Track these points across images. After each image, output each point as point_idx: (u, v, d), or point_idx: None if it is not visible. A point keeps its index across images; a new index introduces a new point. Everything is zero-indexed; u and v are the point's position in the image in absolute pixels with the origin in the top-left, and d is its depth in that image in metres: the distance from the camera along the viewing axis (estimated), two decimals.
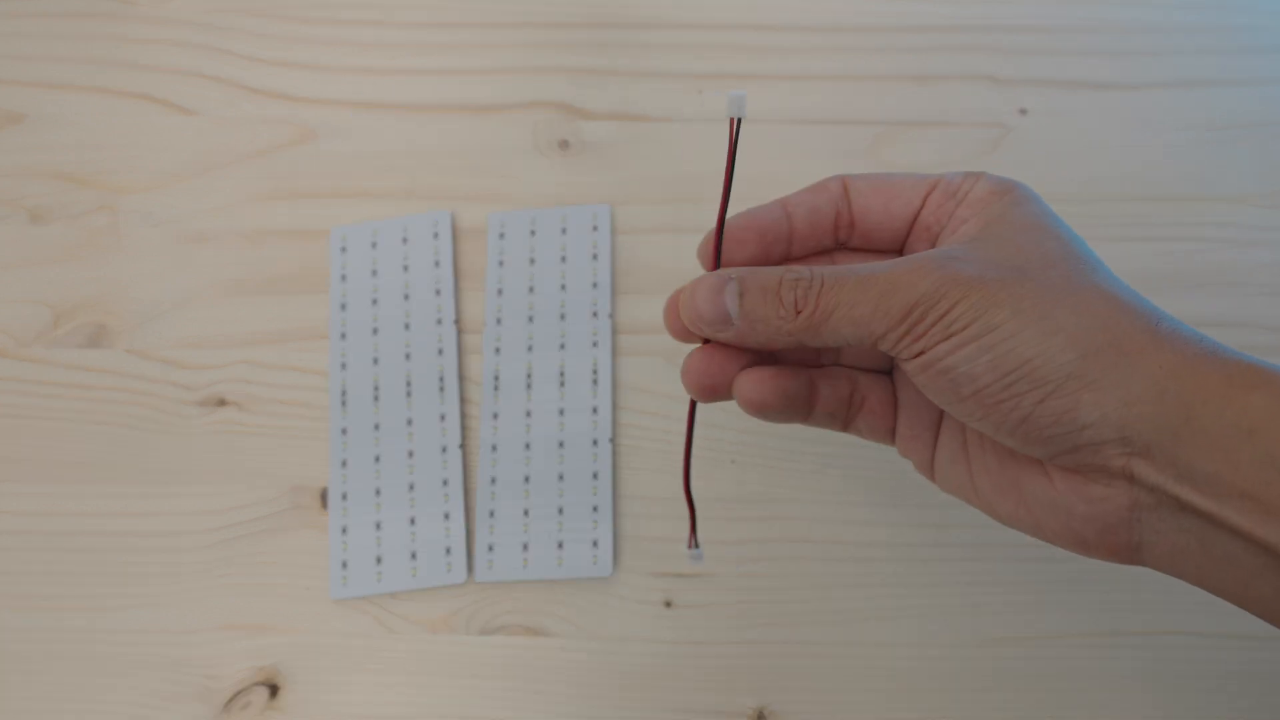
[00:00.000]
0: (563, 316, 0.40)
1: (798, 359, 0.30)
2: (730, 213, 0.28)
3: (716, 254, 0.28)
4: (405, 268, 0.41)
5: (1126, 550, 0.24)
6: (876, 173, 0.29)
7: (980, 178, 0.27)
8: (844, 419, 0.30)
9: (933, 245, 0.28)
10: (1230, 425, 0.21)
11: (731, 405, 0.34)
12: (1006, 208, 0.27)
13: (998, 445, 0.27)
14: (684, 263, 0.41)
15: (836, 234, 0.29)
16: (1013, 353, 0.23)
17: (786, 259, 0.29)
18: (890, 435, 0.30)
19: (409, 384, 0.39)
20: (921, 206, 0.28)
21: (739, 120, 0.26)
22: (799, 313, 0.25)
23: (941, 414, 0.29)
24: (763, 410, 0.28)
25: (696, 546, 0.37)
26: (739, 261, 0.29)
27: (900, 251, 0.29)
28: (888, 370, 0.30)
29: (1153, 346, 0.23)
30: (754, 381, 0.28)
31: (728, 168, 0.27)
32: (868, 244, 0.29)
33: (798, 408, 0.29)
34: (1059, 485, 0.25)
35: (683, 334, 0.28)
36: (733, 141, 0.27)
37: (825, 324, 0.25)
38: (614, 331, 0.40)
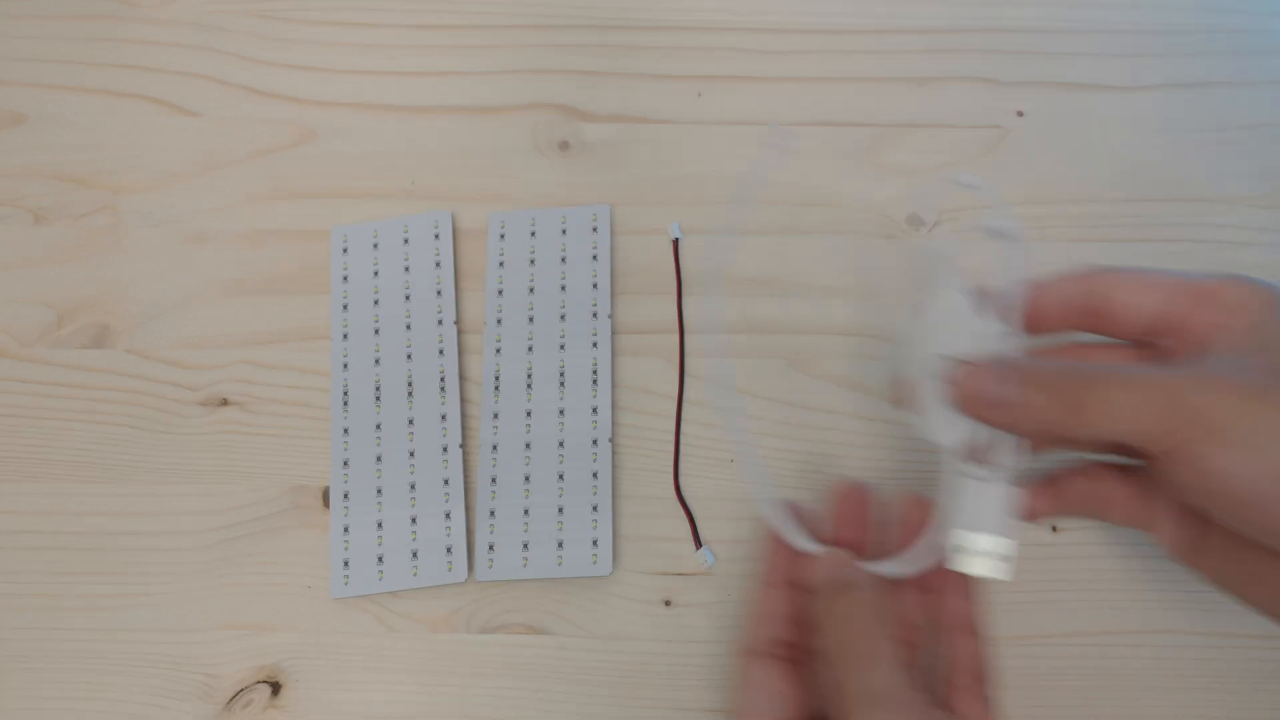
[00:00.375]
0: (563, 317, 0.40)
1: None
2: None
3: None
4: (406, 268, 0.41)
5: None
6: (1133, 268, 0.29)
7: (1238, 283, 0.28)
8: (1098, 510, 0.32)
9: (1181, 339, 0.28)
10: None
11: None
12: (1270, 315, 0.27)
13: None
14: (684, 263, 0.41)
15: (1084, 320, 0.30)
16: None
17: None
18: (1147, 523, 0.31)
19: (410, 384, 0.39)
20: (1170, 305, 0.28)
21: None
22: (1068, 407, 0.26)
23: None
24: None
25: (703, 546, 0.37)
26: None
27: (1157, 329, 0.29)
28: (1137, 460, 0.31)
29: None
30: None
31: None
32: (1113, 331, 0.30)
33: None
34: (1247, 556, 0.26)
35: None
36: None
37: (1096, 412, 0.26)
38: (614, 332, 0.40)
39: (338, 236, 0.41)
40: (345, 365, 0.39)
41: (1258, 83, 0.43)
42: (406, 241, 0.41)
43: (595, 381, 0.39)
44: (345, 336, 0.40)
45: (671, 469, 0.38)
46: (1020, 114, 0.43)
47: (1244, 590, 0.28)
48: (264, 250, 0.42)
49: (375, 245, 0.41)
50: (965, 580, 0.30)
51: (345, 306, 0.40)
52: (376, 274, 0.41)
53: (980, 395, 0.28)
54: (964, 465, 0.29)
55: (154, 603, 0.37)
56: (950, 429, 0.29)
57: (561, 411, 0.39)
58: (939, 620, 0.31)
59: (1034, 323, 0.30)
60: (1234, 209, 0.41)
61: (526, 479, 0.38)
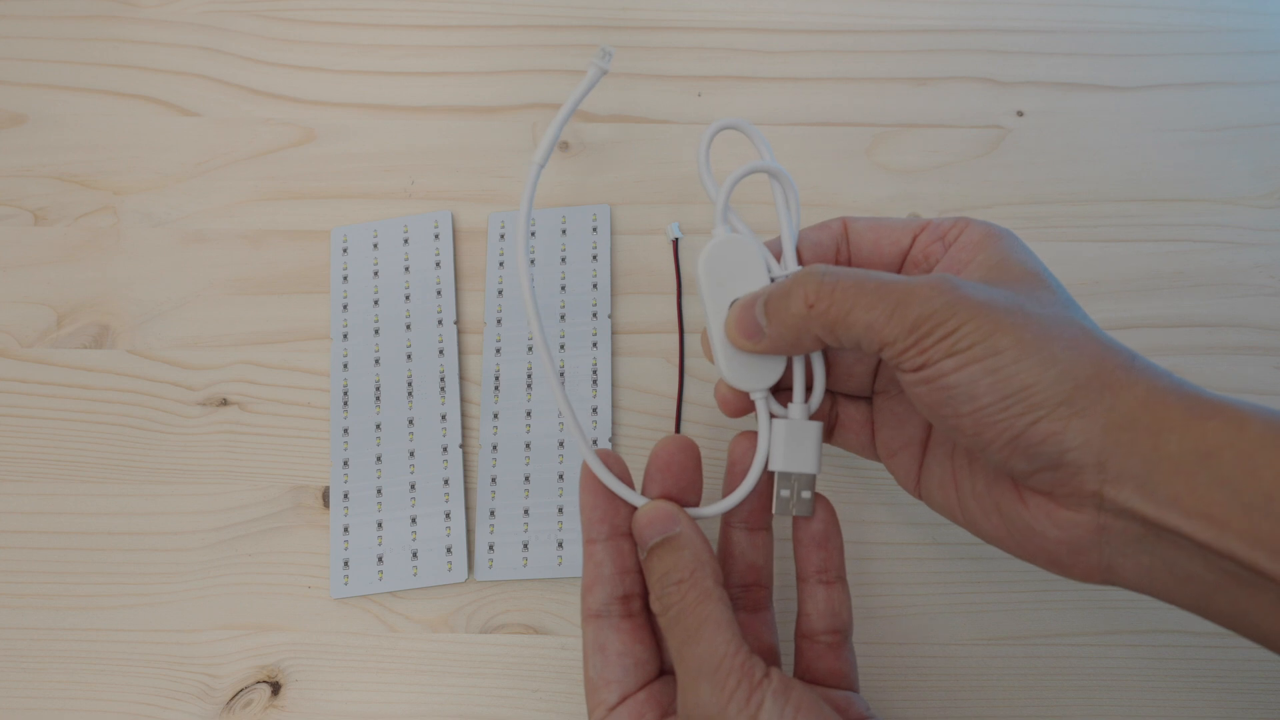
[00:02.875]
0: (562, 317, 0.40)
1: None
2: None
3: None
4: (406, 268, 0.41)
5: (1098, 571, 0.27)
6: (875, 216, 0.32)
7: (969, 223, 0.30)
8: (825, 432, 0.33)
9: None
10: (1190, 450, 0.24)
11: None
12: (1004, 252, 0.29)
13: (985, 471, 0.29)
14: (683, 262, 0.41)
15: (836, 263, 0.31)
16: (1014, 377, 0.25)
17: None
18: (869, 450, 0.33)
19: (410, 384, 0.39)
20: (910, 246, 0.30)
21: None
22: (811, 307, 0.27)
23: (926, 438, 0.31)
24: (739, 412, 0.31)
25: None
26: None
27: (899, 269, 0.31)
28: (867, 396, 0.33)
29: (1129, 381, 0.25)
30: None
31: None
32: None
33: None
34: (1032, 509, 0.27)
35: (734, 411, 0.31)
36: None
37: (841, 322, 0.27)
38: (613, 332, 0.40)
39: (338, 236, 0.41)
40: (345, 365, 0.39)
41: (1258, 83, 0.43)
42: (406, 241, 0.41)
43: (595, 381, 0.39)
44: (345, 336, 0.40)
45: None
46: (1020, 114, 0.43)
47: (965, 517, 0.30)
48: (264, 250, 0.42)
49: (375, 245, 0.41)
50: (822, 529, 0.31)
51: (345, 306, 0.40)
52: (376, 274, 0.41)
53: (739, 329, 0.29)
54: (763, 405, 0.30)
55: (154, 602, 0.37)
56: (744, 372, 0.30)
57: (561, 412, 0.39)
58: (797, 571, 0.31)
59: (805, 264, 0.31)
60: (1234, 209, 0.41)
61: (526, 479, 0.38)
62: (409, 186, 0.42)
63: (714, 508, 0.30)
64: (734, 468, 0.31)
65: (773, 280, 0.30)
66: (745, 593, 0.31)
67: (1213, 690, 0.35)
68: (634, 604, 0.29)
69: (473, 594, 0.37)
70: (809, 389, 0.31)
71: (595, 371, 0.39)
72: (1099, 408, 0.25)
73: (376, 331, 0.40)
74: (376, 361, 0.39)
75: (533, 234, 0.41)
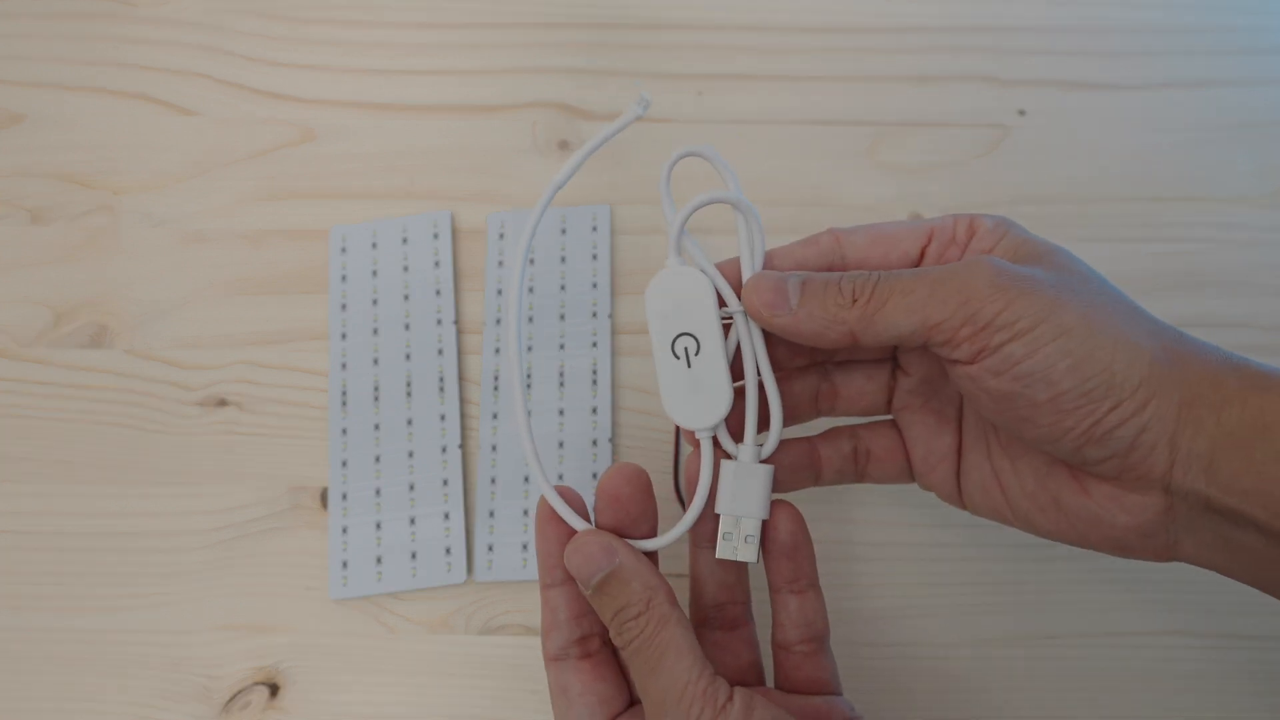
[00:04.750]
0: (562, 317, 0.40)
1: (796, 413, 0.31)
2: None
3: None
4: (405, 268, 0.41)
5: (1165, 551, 0.26)
6: (867, 224, 0.29)
7: (975, 217, 0.28)
8: (855, 473, 0.32)
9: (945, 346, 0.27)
10: (1249, 424, 0.23)
11: None
12: (1023, 236, 0.27)
13: (1033, 466, 0.27)
14: None
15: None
16: (1091, 358, 0.24)
17: None
18: (906, 475, 0.31)
19: (409, 384, 0.39)
20: (921, 257, 0.29)
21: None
22: (855, 300, 0.26)
23: (959, 445, 0.30)
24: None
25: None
26: None
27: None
28: (886, 415, 0.31)
29: (1188, 354, 0.24)
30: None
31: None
32: None
33: (803, 475, 0.31)
34: (1097, 497, 0.26)
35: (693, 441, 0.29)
36: None
37: (880, 312, 0.25)
38: (613, 332, 0.40)
39: (336, 236, 0.41)
40: (344, 365, 0.39)
41: (1261, 81, 0.43)
42: (405, 241, 0.41)
43: (595, 381, 0.39)
44: (344, 336, 0.40)
45: (671, 469, 0.38)
46: (1022, 113, 0.43)
47: (1017, 516, 0.28)
48: (263, 250, 0.41)
49: (374, 245, 0.41)
50: (790, 540, 0.29)
51: (344, 306, 0.40)
52: (375, 274, 0.41)
53: (761, 295, 0.27)
54: (708, 445, 0.29)
55: (152, 603, 0.37)
56: (688, 409, 0.28)
57: (561, 411, 0.38)
58: (769, 582, 0.30)
59: None
60: (1234, 209, 0.41)
61: (526, 479, 0.38)
62: (409, 186, 0.42)
63: (652, 543, 0.28)
64: (691, 486, 0.29)
65: (724, 320, 0.29)
66: (720, 611, 0.30)
67: (1213, 690, 0.35)
68: (592, 644, 0.28)
69: (472, 595, 0.37)
70: (763, 420, 0.29)
71: (595, 371, 0.39)
72: (1172, 385, 0.24)
73: (375, 331, 0.40)
74: (375, 362, 0.39)
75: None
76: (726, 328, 0.29)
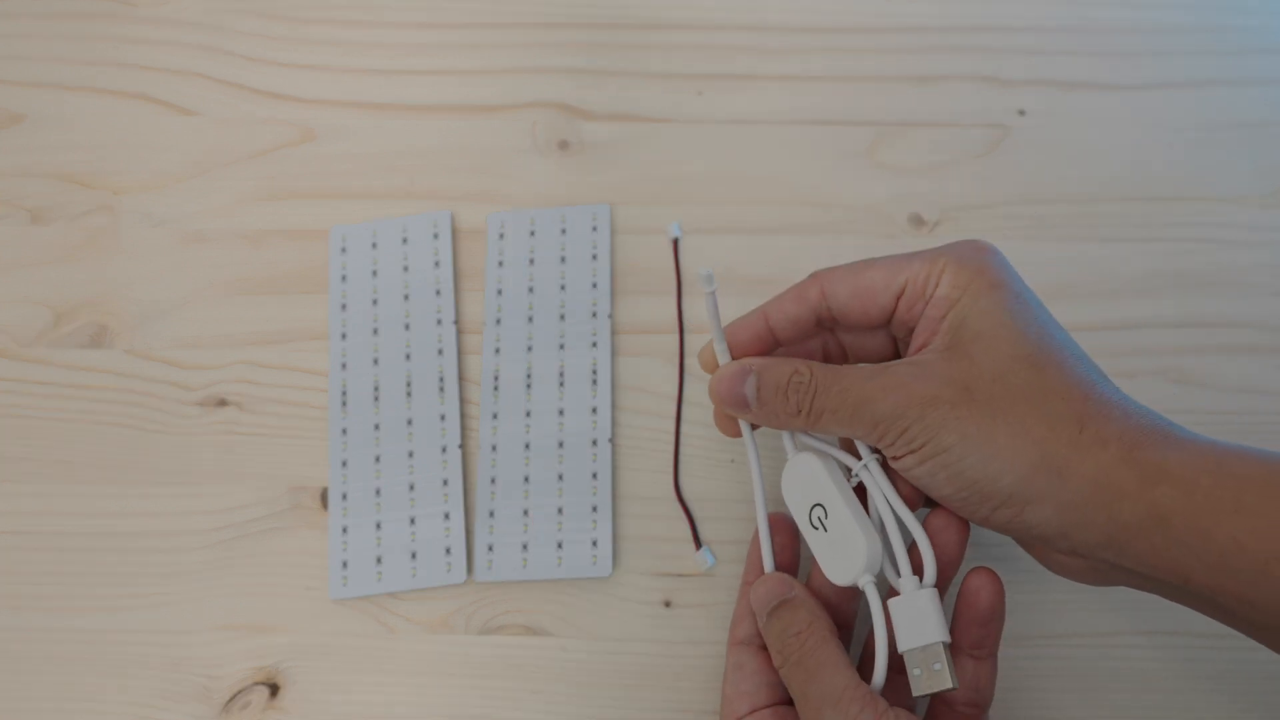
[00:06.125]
0: (562, 317, 0.40)
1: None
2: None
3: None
4: (405, 268, 0.41)
5: (1108, 581, 0.29)
6: (850, 268, 0.31)
7: (945, 270, 0.30)
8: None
9: (910, 331, 0.31)
10: (1144, 517, 0.26)
11: None
12: (966, 312, 0.29)
13: None
14: (683, 262, 0.41)
15: (819, 327, 0.33)
16: (963, 474, 0.27)
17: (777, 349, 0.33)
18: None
19: (409, 384, 0.39)
20: (895, 307, 0.31)
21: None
22: (799, 412, 0.30)
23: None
24: (737, 433, 0.34)
25: (703, 547, 0.37)
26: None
27: (889, 324, 0.32)
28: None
29: (1077, 459, 0.26)
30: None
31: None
32: (855, 328, 0.33)
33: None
34: (1037, 551, 0.30)
35: (732, 432, 0.34)
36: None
37: (818, 423, 0.30)
38: (613, 332, 0.40)
39: (336, 236, 0.41)
40: (344, 365, 0.39)
41: (1260, 81, 0.43)
42: (405, 241, 0.41)
43: (595, 381, 0.39)
44: (344, 336, 0.40)
45: (671, 469, 0.38)
46: (1022, 113, 0.43)
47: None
48: (263, 250, 0.41)
49: (374, 245, 0.41)
50: (989, 609, 0.30)
51: (344, 306, 0.40)
52: (375, 274, 0.41)
53: (723, 397, 0.32)
54: (874, 593, 0.30)
55: (152, 603, 0.37)
56: (845, 568, 0.30)
57: (561, 411, 0.38)
58: (952, 639, 0.30)
59: (782, 340, 0.32)
60: (1234, 209, 0.41)
61: (526, 479, 0.38)
62: (409, 186, 0.42)
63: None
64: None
65: (854, 486, 0.31)
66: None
67: (1213, 690, 0.35)
68: None
69: (472, 595, 0.37)
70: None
71: (595, 371, 0.39)
72: (1048, 494, 0.26)
73: (375, 331, 0.40)
74: (375, 361, 0.39)
75: (532, 233, 0.41)
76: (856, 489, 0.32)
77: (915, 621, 0.29)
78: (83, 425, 0.39)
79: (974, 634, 0.30)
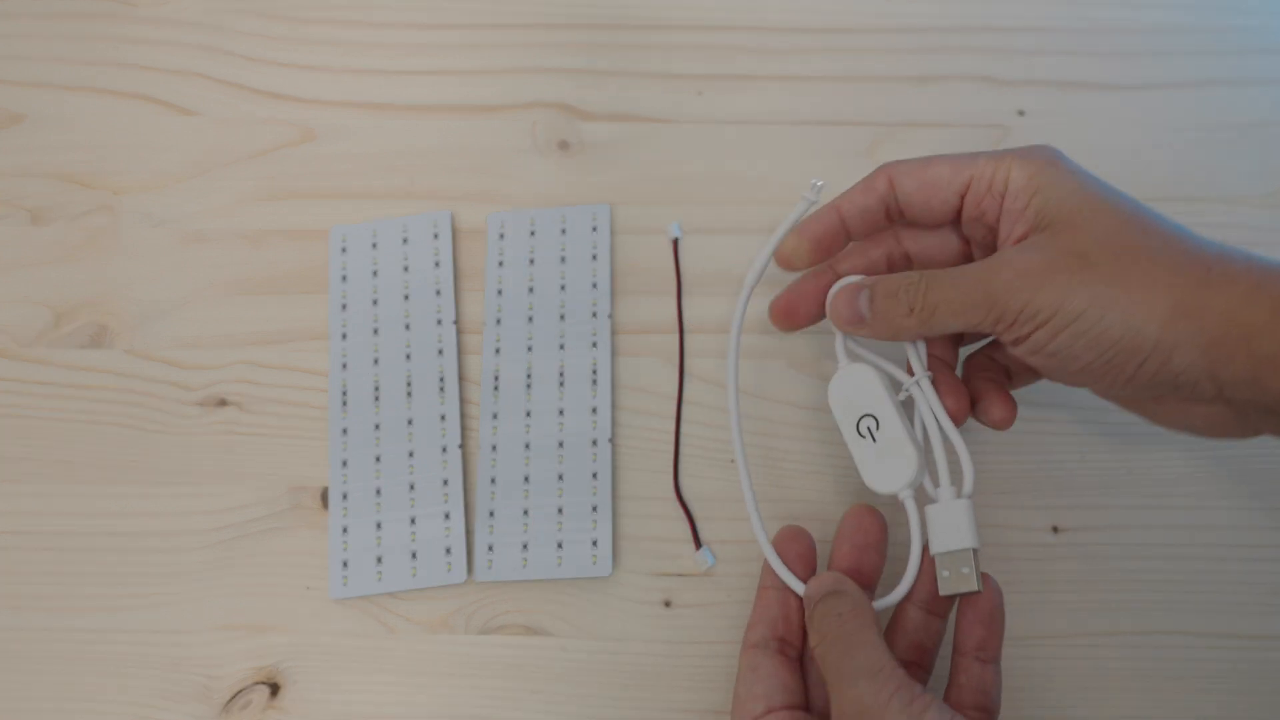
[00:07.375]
0: (562, 317, 0.40)
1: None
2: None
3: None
4: (405, 268, 0.41)
5: (1253, 430, 0.29)
6: (917, 161, 0.33)
7: (1012, 166, 0.31)
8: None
9: (989, 228, 0.32)
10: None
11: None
12: (1050, 196, 0.30)
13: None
14: (683, 262, 0.41)
15: (889, 220, 0.34)
16: (1105, 335, 0.27)
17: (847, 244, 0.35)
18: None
19: (409, 384, 0.39)
20: (960, 203, 0.32)
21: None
22: (912, 311, 0.30)
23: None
24: (794, 327, 0.36)
25: (703, 547, 0.37)
26: (804, 266, 0.34)
27: (958, 221, 0.33)
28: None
29: (1207, 299, 0.27)
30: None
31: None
32: (920, 224, 0.34)
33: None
34: (1170, 409, 0.30)
35: (788, 326, 0.36)
36: None
37: (933, 319, 0.30)
38: (613, 331, 0.40)
39: (337, 236, 0.41)
40: (344, 365, 0.39)
41: (1260, 81, 0.43)
42: (405, 241, 0.41)
43: (595, 381, 0.39)
44: (344, 336, 0.40)
45: (671, 469, 0.38)
46: (1021, 113, 0.43)
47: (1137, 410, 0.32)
48: (263, 250, 0.41)
49: (374, 245, 0.41)
50: (989, 609, 0.31)
51: (344, 306, 0.40)
52: (375, 274, 0.41)
53: (840, 314, 0.32)
54: (911, 503, 0.32)
55: (152, 603, 0.37)
56: (886, 475, 0.32)
57: (561, 411, 0.38)
58: (955, 644, 0.31)
59: (854, 232, 0.34)
60: (1234, 209, 0.41)
61: (526, 479, 0.38)
62: (409, 186, 0.42)
63: (880, 601, 0.31)
64: (841, 537, 0.33)
65: (902, 399, 0.33)
66: (904, 668, 0.31)
67: (1214, 691, 0.35)
68: (788, 649, 0.32)
69: (472, 595, 0.37)
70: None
71: (595, 371, 0.39)
72: (1190, 337, 0.27)
73: (375, 331, 0.40)
74: (375, 361, 0.39)
75: (532, 233, 0.41)
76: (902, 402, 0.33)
77: (949, 528, 0.31)
78: (83, 425, 0.39)
79: (977, 634, 0.31)
